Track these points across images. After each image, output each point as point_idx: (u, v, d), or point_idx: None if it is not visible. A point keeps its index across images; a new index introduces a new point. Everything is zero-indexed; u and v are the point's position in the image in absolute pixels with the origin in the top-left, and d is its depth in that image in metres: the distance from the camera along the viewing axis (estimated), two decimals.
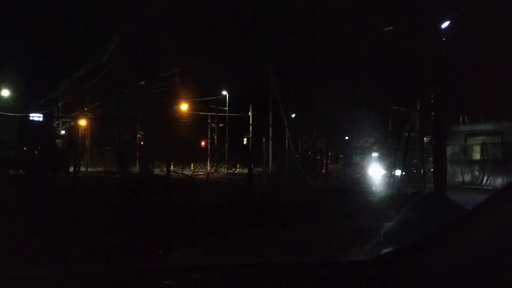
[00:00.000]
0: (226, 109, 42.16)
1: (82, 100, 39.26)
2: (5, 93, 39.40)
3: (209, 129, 41.50)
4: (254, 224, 7.57)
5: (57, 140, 26.13)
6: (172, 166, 13.68)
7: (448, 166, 12.78)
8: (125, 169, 21.00)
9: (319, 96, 37.40)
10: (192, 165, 23.19)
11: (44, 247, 5.29)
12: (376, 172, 17.14)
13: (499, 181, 14.59)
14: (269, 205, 10.49)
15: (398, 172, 13.64)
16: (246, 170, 15.73)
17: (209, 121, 41.45)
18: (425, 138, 16.05)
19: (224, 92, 42.17)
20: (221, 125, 41.28)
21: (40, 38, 56.04)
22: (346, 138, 28.25)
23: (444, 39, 12.12)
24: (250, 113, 41.63)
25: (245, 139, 36.30)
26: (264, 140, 18.62)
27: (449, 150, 13.32)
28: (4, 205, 8.49)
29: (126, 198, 10.97)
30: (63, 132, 39.28)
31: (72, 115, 40.12)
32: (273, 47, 35.60)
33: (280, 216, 8.65)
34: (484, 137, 17.58)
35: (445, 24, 12.69)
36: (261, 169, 18.66)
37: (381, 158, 19.35)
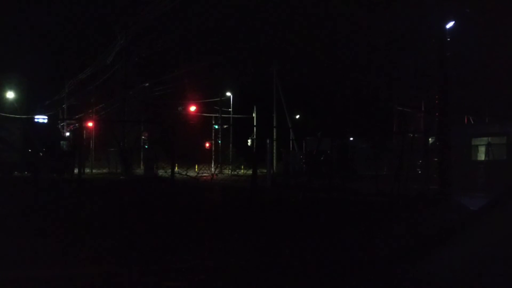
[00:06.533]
0: (230, 111, 42.15)
1: (87, 102, 39.38)
2: (10, 95, 39.57)
3: (213, 130, 41.50)
4: (257, 227, 7.55)
5: (61, 142, 26.22)
6: (176, 168, 13.68)
7: None
8: (129, 170, 21.01)
9: (323, 98, 37.37)
10: (196, 167, 23.20)
11: (48, 249, 5.29)
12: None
13: None
14: (273, 208, 10.47)
15: (403, 173, 13.57)
16: (250, 171, 15.68)
17: (213, 122, 41.44)
18: (429, 139, 15.98)
19: (228, 94, 42.18)
20: (225, 126, 41.28)
21: (45, 40, 56.28)
22: (351, 139, 28.22)
23: (448, 39, 12.08)
24: (254, 115, 41.61)
25: (249, 141, 36.35)
26: (268, 141, 18.59)
27: None
28: (9, 206, 8.51)
29: (130, 200, 10.98)
30: (67, 134, 39.42)
31: (76, 117, 40.26)
32: (277, 48, 35.62)
33: (283, 220, 8.63)
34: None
35: (449, 25, 12.65)
36: (265, 170, 18.63)
37: (386, 159, 19.29)
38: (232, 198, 12.40)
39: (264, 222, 7.94)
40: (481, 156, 17.62)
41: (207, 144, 42.40)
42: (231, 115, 42.26)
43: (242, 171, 31.02)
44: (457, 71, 17.90)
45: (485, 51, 21.52)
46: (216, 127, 41.37)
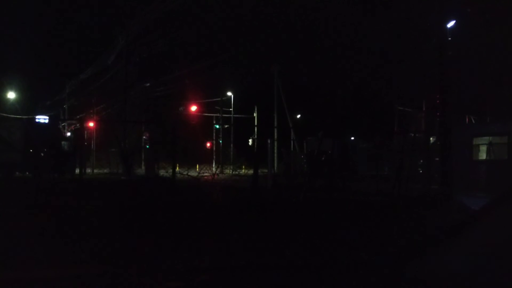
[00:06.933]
0: (231, 110, 42.15)
1: (88, 102, 39.40)
2: (12, 95, 39.60)
3: (214, 130, 41.53)
4: (258, 227, 7.55)
5: (63, 142, 26.23)
6: (177, 168, 13.69)
7: None
8: (130, 171, 21.01)
9: (324, 98, 37.33)
10: (197, 167, 23.21)
11: (48, 249, 5.29)
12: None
13: None
14: (274, 208, 10.47)
15: (404, 173, 13.57)
16: (251, 171, 15.70)
17: (214, 122, 41.46)
18: (431, 139, 15.97)
19: (229, 93, 42.17)
20: (226, 126, 41.28)
21: (46, 41, 56.43)
22: (352, 139, 28.22)
23: (449, 38, 12.08)
24: (255, 114, 41.62)
25: (250, 140, 36.32)
26: (269, 141, 18.56)
27: None
28: (9, 206, 8.52)
29: (131, 200, 10.98)
30: (68, 134, 39.44)
31: (77, 117, 40.24)
32: (278, 48, 35.59)
33: (284, 220, 8.64)
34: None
35: (450, 24, 12.64)
36: (266, 170, 18.61)
37: (387, 159, 19.28)
38: (233, 198, 12.40)
39: (265, 222, 7.94)
40: (482, 156, 17.56)
41: (208, 144, 42.40)
42: (232, 115, 42.25)
43: (243, 171, 31.02)
44: (458, 71, 17.86)
45: (486, 50, 21.49)
46: (217, 127, 41.39)
